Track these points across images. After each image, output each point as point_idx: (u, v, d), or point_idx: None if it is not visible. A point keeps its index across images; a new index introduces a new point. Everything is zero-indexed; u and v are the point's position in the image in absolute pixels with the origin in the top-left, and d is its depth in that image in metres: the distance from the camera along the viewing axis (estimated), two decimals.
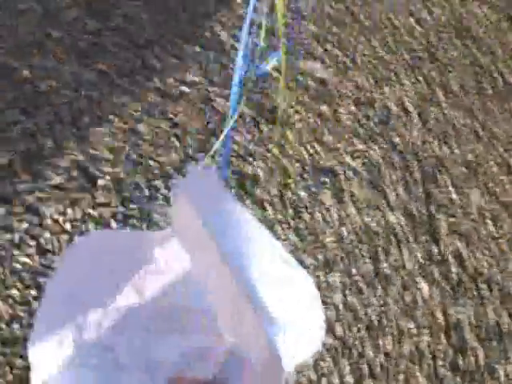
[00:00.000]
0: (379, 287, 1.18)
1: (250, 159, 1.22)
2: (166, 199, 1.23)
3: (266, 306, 0.94)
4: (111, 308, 1.05)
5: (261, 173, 1.22)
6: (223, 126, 1.23)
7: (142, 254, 1.07)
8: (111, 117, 1.29)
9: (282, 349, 0.92)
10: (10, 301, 1.12)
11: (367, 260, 1.18)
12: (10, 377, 1.07)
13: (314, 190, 1.20)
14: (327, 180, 1.21)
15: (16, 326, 1.11)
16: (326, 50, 1.30)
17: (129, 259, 1.06)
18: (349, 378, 1.15)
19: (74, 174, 1.24)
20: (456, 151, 1.26)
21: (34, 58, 1.32)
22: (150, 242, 1.07)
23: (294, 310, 0.96)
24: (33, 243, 1.17)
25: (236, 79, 1.11)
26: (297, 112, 1.22)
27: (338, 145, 1.23)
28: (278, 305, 0.95)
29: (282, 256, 0.98)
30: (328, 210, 1.19)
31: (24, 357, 1.08)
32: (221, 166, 1.22)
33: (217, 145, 1.19)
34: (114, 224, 1.20)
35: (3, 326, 1.11)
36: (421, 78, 1.31)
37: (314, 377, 1.14)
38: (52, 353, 1.05)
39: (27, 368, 1.02)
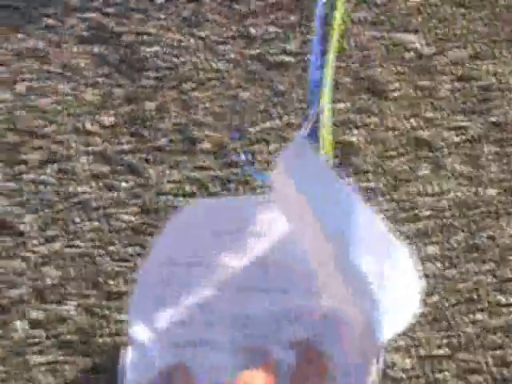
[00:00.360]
0: (475, 260, 1.17)
1: (350, 127, 1.22)
2: (266, 164, 1.23)
3: (367, 283, 0.94)
4: (209, 267, 1.06)
5: (360, 142, 1.22)
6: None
7: (243, 218, 1.07)
8: (214, 82, 1.30)
9: (378, 321, 0.92)
10: (112, 257, 1.14)
11: (464, 233, 1.16)
12: (110, 329, 1.09)
13: (412, 162, 1.19)
14: (427, 153, 1.20)
15: (117, 281, 1.12)
16: (422, 20, 1.28)
17: (230, 223, 1.07)
18: (442, 350, 1.14)
19: (176, 137, 1.26)
20: None
21: (138, 24, 1.34)
22: (251, 207, 1.07)
23: (394, 286, 0.96)
24: (135, 202, 1.19)
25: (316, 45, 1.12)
26: (395, 82, 1.21)
27: (439, 120, 1.22)
28: (378, 279, 0.95)
29: (382, 231, 0.97)
30: (426, 183, 1.19)
31: (124, 311, 1.10)
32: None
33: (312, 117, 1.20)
34: (213, 188, 1.21)
35: (105, 280, 1.12)
36: None
37: (405, 345, 1.13)
38: (150, 311, 1.06)
39: (126, 323, 1.04)
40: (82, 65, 1.24)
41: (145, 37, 1.28)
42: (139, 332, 1.06)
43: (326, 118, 1.16)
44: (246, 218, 1.08)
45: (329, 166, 0.98)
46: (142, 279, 1.07)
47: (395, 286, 0.97)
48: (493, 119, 1.26)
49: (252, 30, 1.30)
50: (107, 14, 1.28)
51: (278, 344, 1.07)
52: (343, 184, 0.96)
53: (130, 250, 1.13)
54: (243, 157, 1.18)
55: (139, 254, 1.12)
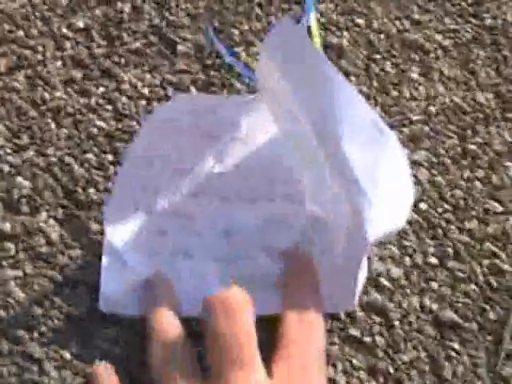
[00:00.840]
0: (465, 167, 1.11)
1: (334, 29, 1.15)
2: (247, 66, 1.17)
3: (355, 175, 0.89)
4: (190, 172, 1.01)
5: (346, 44, 1.15)
6: None
7: (226, 120, 1.01)
8: None
9: (367, 220, 0.87)
10: (86, 165, 1.08)
11: (454, 139, 1.11)
12: (85, 240, 1.03)
13: (402, 66, 1.13)
14: (416, 57, 1.14)
15: (92, 190, 1.06)
16: None
17: (212, 123, 1.00)
18: (432, 259, 1.10)
19: (153, 39, 1.19)
20: None
21: None
22: (235, 108, 1.01)
23: (383, 180, 0.91)
24: (109, 108, 1.12)
25: None
26: None
27: (429, 22, 1.16)
28: (367, 173, 0.90)
29: (373, 120, 0.92)
30: (416, 87, 1.13)
31: (99, 221, 1.04)
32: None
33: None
34: (194, 91, 1.15)
35: (79, 189, 1.06)
36: None
37: (397, 253, 1.09)
38: (127, 218, 1.01)
39: (102, 233, 0.99)
40: None
41: None
42: (116, 240, 1.00)
43: (314, 20, 1.10)
44: (230, 120, 1.02)
45: (314, 47, 0.91)
46: (119, 183, 1.01)
47: (387, 181, 0.91)
48: (484, 23, 1.20)
49: None
50: None
51: (264, 252, 1.02)
52: (330, 66, 0.90)
53: (103, 157, 1.07)
54: (227, 58, 1.12)
55: (113, 162, 1.06)
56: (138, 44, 1.17)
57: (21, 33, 1.15)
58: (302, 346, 0.89)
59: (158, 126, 0.99)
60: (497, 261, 1.08)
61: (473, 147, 1.13)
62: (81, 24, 1.17)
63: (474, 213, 1.09)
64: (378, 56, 1.19)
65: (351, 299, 0.97)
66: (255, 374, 0.80)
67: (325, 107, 0.90)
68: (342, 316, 0.98)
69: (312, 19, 1.14)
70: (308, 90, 0.90)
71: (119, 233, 1.01)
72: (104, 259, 1.00)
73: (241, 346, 0.81)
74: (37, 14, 1.17)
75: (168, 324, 0.89)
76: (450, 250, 1.07)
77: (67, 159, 1.06)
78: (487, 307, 1.05)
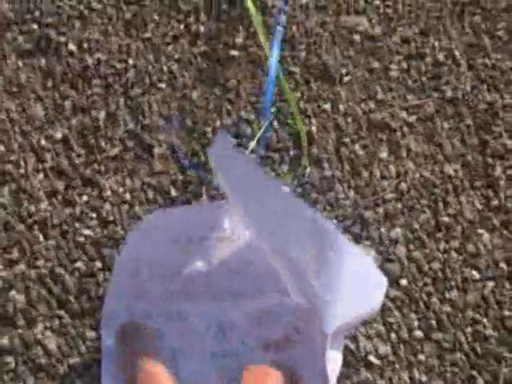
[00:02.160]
0: (441, 239, 1.15)
1: (302, 117, 1.19)
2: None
3: (307, 279, 0.94)
4: (179, 275, 1.04)
5: (315, 130, 1.20)
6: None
7: (209, 223, 1.05)
8: (162, 85, 1.27)
9: (324, 316, 0.92)
10: (77, 274, 1.11)
11: (427, 213, 1.15)
12: (82, 348, 1.06)
13: (370, 146, 1.17)
14: (384, 136, 1.18)
15: (84, 298, 1.09)
16: (367, 1, 1.26)
17: (196, 227, 1.05)
18: (418, 332, 1.13)
19: (130, 144, 1.22)
20: (506, 96, 1.22)
21: (79, 32, 1.30)
22: (216, 211, 1.05)
23: (336, 277, 0.95)
24: (94, 215, 1.16)
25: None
26: (344, 66, 1.18)
27: (393, 101, 1.20)
28: (317, 273, 0.94)
29: (315, 221, 0.96)
30: (386, 166, 1.17)
31: (94, 328, 1.07)
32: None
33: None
34: (173, 191, 1.18)
35: (72, 299, 1.09)
36: (466, 25, 1.27)
37: (382, 330, 1.12)
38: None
39: (99, 339, 1.01)
40: (27, 79, 1.19)
41: (87, 44, 1.24)
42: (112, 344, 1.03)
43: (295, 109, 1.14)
44: (214, 222, 1.06)
45: (253, 162, 0.96)
46: (110, 293, 1.04)
47: (340, 277, 0.96)
48: (445, 95, 1.24)
49: (196, 28, 1.27)
50: (46, 25, 1.24)
51: (259, 345, 1.06)
52: (271, 180, 0.95)
53: (93, 265, 1.10)
54: (201, 158, 1.15)
55: (103, 269, 1.09)
56: (115, 150, 1.20)
57: (1, 148, 1.18)
58: None
59: (143, 234, 1.03)
60: (479, 327, 1.11)
61: (446, 219, 1.17)
62: (59, 135, 1.21)
63: (453, 283, 1.13)
64: (347, 139, 1.23)
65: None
66: None
67: (273, 223, 0.95)
68: None
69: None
70: (254, 206, 0.96)
71: (113, 338, 1.04)
72: (104, 365, 1.02)
73: None
74: (16, 128, 1.20)
75: None
76: (434, 322, 1.11)
77: (58, 270, 1.09)
78: (475, 373, 1.08)
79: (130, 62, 1.26)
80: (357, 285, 0.95)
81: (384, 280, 0.97)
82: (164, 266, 1.04)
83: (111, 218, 1.13)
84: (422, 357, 1.09)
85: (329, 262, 0.94)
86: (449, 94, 1.28)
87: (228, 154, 0.97)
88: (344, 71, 1.28)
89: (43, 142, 1.19)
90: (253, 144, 1.12)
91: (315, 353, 0.99)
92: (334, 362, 0.97)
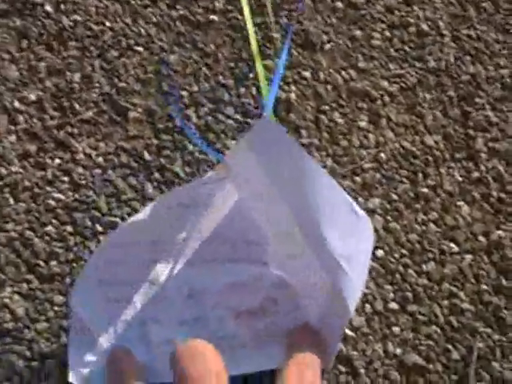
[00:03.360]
0: (419, 210, 1.13)
1: (281, 83, 1.17)
2: (199, 128, 1.18)
3: (336, 258, 0.93)
4: (157, 242, 1.03)
5: (294, 98, 1.17)
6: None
7: (201, 195, 1.03)
8: (139, 48, 1.24)
9: (348, 296, 0.92)
10: (47, 238, 1.09)
11: (406, 184, 1.13)
12: (51, 313, 1.04)
13: (350, 115, 1.15)
14: (364, 105, 1.16)
15: (53, 262, 1.07)
16: None
17: (189, 198, 1.03)
18: (393, 304, 1.11)
19: (104, 107, 1.20)
20: (490, 68, 1.20)
21: None
22: (203, 187, 1.03)
23: (358, 261, 0.95)
24: (66, 179, 1.13)
25: None
26: (326, 34, 1.16)
27: (374, 69, 1.17)
28: (347, 256, 0.94)
29: (349, 205, 0.96)
30: (366, 136, 1.14)
31: (62, 293, 1.05)
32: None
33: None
34: (147, 156, 1.16)
35: (41, 262, 1.07)
36: None
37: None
38: (92, 292, 1.02)
39: (66, 304, 0.99)
40: (2, 40, 1.16)
41: (64, 5, 1.21)
42: (82, 314, 1.01)
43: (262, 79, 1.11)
44: (206, 194, 1.04)
45: (294, 142, 0.95)
46: (87, 263, 1.01)
47: (360, 261, 0.96)
48: (428, 65, 1.22)
49: None
50: None
51: (231, 314, 1.04)
52: (309, 159, 0.93)
53: (63, 229, 1.07)
54: (178, 122, 1.13)
55: (73, 233, 1.07)
56: (89, 113, 1.17)
57: None
58: None
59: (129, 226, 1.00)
60: (456, 300, 1.09)
61: (425, 190, 1.15)
62: (33, 97, 1.18)
63: (430, 255, 1.11)
64: (327, 107, 1.20)
65: (329, 359, 1.00)
66: None
67: (306, 196, 0.93)
68: None
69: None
70: (289, 181, 0.93)
71: (85, 305, 1.02)
72: (71, 333, 1.00)
73: None
74: None
75: None
76: (410, 294, 1.09)
77: (27, 233, 1.07)
78: (450, 347, 1.06)
79: (107, 24, 1.24)
80: (364, 266, 0.96)
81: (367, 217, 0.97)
82: (144, 234, 1.01)
83: (83, 182, 1.11)
84: (396, 329, 1.07)
85: (359, 246, 0.95)
86: (432, 64, 1.26)
87: (268, 134, 0.94)
88: (325, 38, 1.25)
89: (16, 104, 1.16)
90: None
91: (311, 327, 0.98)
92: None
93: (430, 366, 1.06)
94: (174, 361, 0.84)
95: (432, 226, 1.13)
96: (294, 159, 0.92)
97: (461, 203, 1.15)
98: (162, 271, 1.04)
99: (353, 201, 0.94)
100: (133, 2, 1.24)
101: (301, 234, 0.93)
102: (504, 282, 1.09)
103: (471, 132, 1.19)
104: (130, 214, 1.09)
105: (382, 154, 1.15)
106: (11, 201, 1.11)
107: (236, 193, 1.00)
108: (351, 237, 0.93)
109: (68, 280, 1.06)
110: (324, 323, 0.98)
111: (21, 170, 1.13)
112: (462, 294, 1.10)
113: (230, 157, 0.96)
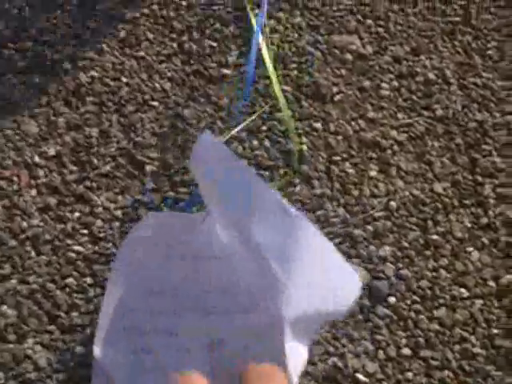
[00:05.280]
0: (429, 257, 1.16)
1: (294, 134, 1.20)
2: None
3: (267, 260, 0.94)
4: (169, 292, 1.05)
5: (305, 149, 1.20)
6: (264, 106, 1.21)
7: (201, 240, 1.06)
8: (155, 103, 1.28)
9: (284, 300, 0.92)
10: (67, 289, 1.12)
11: (417, 231, 1.16)
12: (72, 363, 1.07)
13: (360, 165, 1.18)
14: (374, 155, 1.19)
15: (74, 313, 1.10)
16: (359, 21, 1.27)
17: (187, 244, 1.05)
18: (405, 350, 1.13)
19: (122, 161, 1.23)
20: (496, 115, 1.23)
21: (73, 50, 1.31)
22: (207, 227, 1.05)
23: (298, 264, 0.96)
24: (85, 232, 1.17)
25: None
26: (336, 85, 1.19)
27: (383, 119, 1.21)
28: (279, 255, 0.95)
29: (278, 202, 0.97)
30: (376, 185, 1.17)
31: (83, 344, 1.08)
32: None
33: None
34: (165, 209, 1.19)
35: (62, 314, 1.10)
36: (457, 44, 1.28)
37: (370, 348, 1.12)
38: (113, 341, 1.04)
39: (89, 354, 1.02)
40: (22, 96, 1.21)
41: (82, 62, 1.25)
42: (104, 361, 1.04)
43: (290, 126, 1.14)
44: (206, 239, 1.06)
45: (231, 153, 0.97)
46: (104, 309, 1.04)
47: (302, 265, 0.96)
48: (435, 114, 1.25)
49: (189, 46, 1.28)
50: (42, 43, 1.25)
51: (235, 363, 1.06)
52: (246, 168, 0.96)
53: (83, 280, 1.11)
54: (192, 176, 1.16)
55: (93, 285, 1.10)
56: (107, 167, 1.21)
57: None
58: None
59: (135, 248, 1.04)
60: (467, 345, 1.11)
61: (435, 237, 1.18)
62: (52, 151, 1.22)
63: (441, 301, 1.13)
64: (338, 158, 1.24)
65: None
66: None
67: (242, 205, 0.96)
68: None
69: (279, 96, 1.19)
70: (229, 193, 0.96)
71: (107, 354, 1.04)
72: (93, 380, 1.03)
73: None
74: (9, 144, 1.22)
75: None
76: (422, 340, 1.11)
77: (49, 285, 1.10)
78: None
79: (124, 79, 1.28)
80: (322, 277, 0.95)
81: (357, 283, 0.97)
82: (154, 282, 1.04)
83: (102, 235, 1.14)
84: (409, 374, 1.09)
85: (294, 249, 0.95)
86: (439, 112, 1.29)
87: (210, 151, 0.97)
88: (335, 90, 1.29)
89: (36, 159, 1.20)
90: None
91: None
92: (297, 355, 0.97)
93: None
94: None
95: (442, 272, 1.15)
96: (233, 172, 0.95)
97: (470, 249, 1.17)
98: (181, 322, 1.06)
99: (283, 200, 0.95)
100: (148, 58, 1.29)
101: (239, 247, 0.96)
102: None
103: (479, 178, 1.22)
104: None
105: (393, 203, 1.18)
106: (33, 253, 1.15)
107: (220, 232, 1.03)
108: (279, 235, 0.95)
109: (88, 331, 1.09)
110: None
111: (41, 224, 1.17)
112: (473, 338, 1.12)
113: (203, 190, 0.99)
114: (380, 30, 1.29)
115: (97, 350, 1.02)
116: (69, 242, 1.16)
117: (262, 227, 0.95)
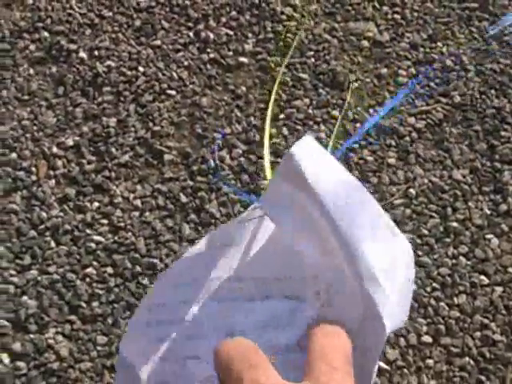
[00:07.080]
0: (449, 244, 1.16)
1: (311, 123, 1.21)
2: (232, 170, 1.22)
3: (372, 271, 0.95)
4: (194, 283, 1.06)
5: (323, 136, 1.21)
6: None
7: (235, 238, 1.06)
8: (172, 92, 1.29)
9: (384, 310, 0.92)
10: (88, 279, 1.13)
11: (436, 218, 1.16)
12: (93, 353, 1.08)
13: (379, 152, 1.18)
14: (392, 142, 1.20)
15: (95, 303, 1.11)
16: (375, 8, 1.27)
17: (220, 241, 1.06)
18: (426, 337, 1.14)
19: (140, 151, 1.24)
20: None
21: (90, 40, 1.32)
22: (237, 227, 1.06)
23: (397, 278, 0.96)
24: (105, 222, 1.17)
25: None
26: (353, 73, 1.20)
27: (401, 106, 1.21)
28: (384, 271, 0.96)
29: (385, 222, 0.97)
30: (395, 172, 1.18)
31: (105, 333, 1.09)
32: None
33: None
34: (183, 198, 1.20)
35: (83, 304, 1.11)
36: (474, 30, 1.29)
37: (391, 335, 1.13)
38: (138, 334, 1.05)
39: (110, 343, 1.03)
40: (39, 87, 1.22)
41: (98, 52, 1.26)
42: (128, 355, 1.05)
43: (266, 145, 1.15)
44: (232, 235, 1.07)
45: (336, 160, 0.98)
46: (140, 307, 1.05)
47: (399, 280, 0.97)
48: (454, 101, 1.25)
49: (205, 34, 1.28)
50: (57, 33, 1.26)
51: (269, 351, 1.06)
52: (351, 178, 0.96)
53: (104, 270, 1.12)
54: (212, 164, 1.17)
55: (113, 274, 1.11)
56: (126, 157, 1.22)
57: (14, 155, 1.20)
58: None
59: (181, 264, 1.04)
60: (488, 332, 1.12)
61: (454, 224, 1.18)
62: (70, 142, 1.22)
63: (461, 288, 1.14)
64: (356, 145, 1.24)
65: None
66: None
67: (349, 214, 0.96)
68: None
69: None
70: (335, 199, 0.96)
71: (131, 347, 1.05)
72: (118, 374, 1.04)
73: None
74: (27, 135, 1.22)
75: None
76: (442, 327, 1.12)
77: (69, 275, 1.11)
78: (483, 378, 1.09)
79: (140, 69, 1.28)
80: (404, 288, 0.96)
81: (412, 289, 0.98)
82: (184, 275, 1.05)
83: (122, 224, 1.15)
84: (430, 362, 1.10)
85: (396, 262, 0.96)
86: (457, 99, 1.29)
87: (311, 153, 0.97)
88: (353, 77, 1.29)
89: (55, 149, 1.21)
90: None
91: None
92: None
93: None
94: (218, 361, 0.87)
95: (462, 259, 1.16)
96: (334, 176, 0.95)
97: (490, 236, 1.18)
98: (198, 309, 1.07)
99: (389, 219, 0.97)
100: (164, 47, 1.29)
101: (342, 255, 0.96)
102: None
103: (498, 165, 1.22)
104: (168, 255, 1.13)
105: (412, 190, 1.18)
106: (52, 244, 1.16)
107: (271, 229, 1.04)
108: (387, 254, 0.96)
109: (110, 320, 1.10)
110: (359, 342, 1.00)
111: (61, 214, 1.18)
112: (493, 325, 1.13)
113: (266, 198, 1.00)
114: (397, 16, 1.29)
115: (123, 342, 1.03)
116: (88, 231, 1.17)
117: (374, 249, 0.96)
